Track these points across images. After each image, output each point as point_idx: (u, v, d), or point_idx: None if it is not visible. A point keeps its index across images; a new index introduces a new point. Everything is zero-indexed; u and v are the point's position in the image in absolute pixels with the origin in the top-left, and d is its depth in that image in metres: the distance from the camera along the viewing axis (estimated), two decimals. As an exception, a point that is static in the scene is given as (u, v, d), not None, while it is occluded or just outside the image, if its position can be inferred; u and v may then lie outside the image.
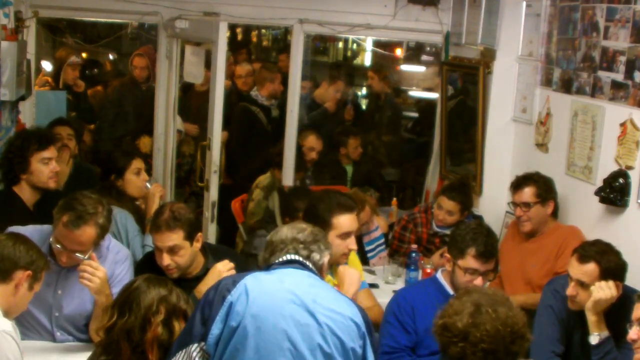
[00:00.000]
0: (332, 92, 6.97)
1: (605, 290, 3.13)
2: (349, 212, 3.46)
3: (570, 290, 3.25)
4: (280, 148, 5.98)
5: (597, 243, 3.29)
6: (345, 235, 3.42)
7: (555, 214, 4.21)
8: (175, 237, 3.21)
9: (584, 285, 3.21)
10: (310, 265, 2.71)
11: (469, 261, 3.26)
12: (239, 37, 9.32)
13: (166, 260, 3.20)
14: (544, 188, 4.14)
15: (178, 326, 2.62)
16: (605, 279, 3.17)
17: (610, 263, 3.18)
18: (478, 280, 3.26)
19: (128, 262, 3.41)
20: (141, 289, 2.63)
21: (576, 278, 3.22)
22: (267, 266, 2.71)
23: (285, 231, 2.78)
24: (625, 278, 3.25)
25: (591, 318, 3.13)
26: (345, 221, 3.42)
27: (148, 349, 2.56)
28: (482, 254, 3.26)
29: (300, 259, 2.70)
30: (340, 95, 7.04)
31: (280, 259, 2.70)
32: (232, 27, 8.42)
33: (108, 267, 3.26)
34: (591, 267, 3.19)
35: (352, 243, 3.45)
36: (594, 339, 3.10)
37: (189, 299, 2.78)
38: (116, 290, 3.23)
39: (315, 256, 2.74)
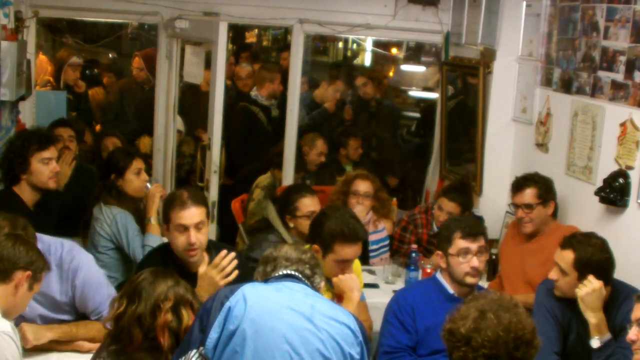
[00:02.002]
0: (332, 92, 6.96)
1: (586, 286, 3.12)
2: (353, 243, 3.37)
3: (552, 274, 3.29)
4: (280, 148, 5.98)
5: (586, 234, 3.30)
6: (342, 262, 3.38)
7: (555, 214, 4.20)
8: (201, 212, 3.28)
9: (562, 272, 3.23)
10: (307, 282, 2.74)
11: (458, 243, 3.28)
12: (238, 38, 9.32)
13: (194, 236, 3.22)
14: (545, 189, 4.13)
15: (186, 314, 2.64)
16: (579, 269, 3.17)
17: (585, 254, 3.18)
18: (474, 261, 3.26)
19: (89, 267, 3.19)
20: (148, 279, 2.66)
21: (555, 262, 3.27)
22: (265, 279, 2.73)
23: (289, 250, 2.80)
24: (608, 273, 3.21)
25: (591, 321, 3.11)
26: (347, 251, 3.36)
27: (159, 334, 2.59)
28: (468, 233, 3.29)
29: (299, 275, 2.73)
30: (339, 95, 7.03)
31: (278, 274, 2.72)
32: (232, 27, 8.43)
33: (65, 279, 3.13)
34: (567, 254, 3.21)
35: (348, 269, 3.38)
36: (595, 343, 3.08)
37: (194, 291, 2.81)
38: (89, 292, 3.14)
39: (317, 279, 2.79)
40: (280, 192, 4.53)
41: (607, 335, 3.09)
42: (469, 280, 3.29)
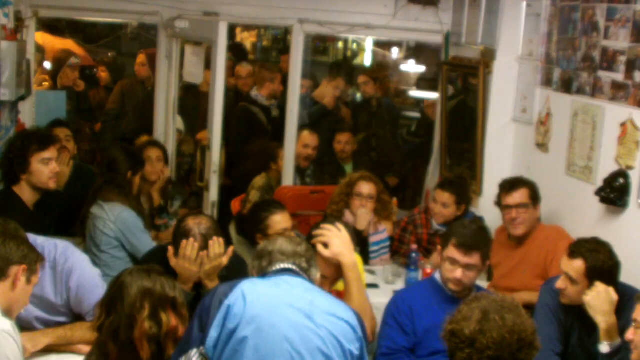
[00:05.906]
0: (331, 89, 6.92)
1: (592, 290, 3.11)
2: None
3: (559, 283, 3.27)
4: (257, 147, 5.89)
5: (591, 241, 3.28)
6: None
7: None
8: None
9: (572, 280, 3.21)
10: (305, 275, 2.72)
11: (450, 250, 3.26)
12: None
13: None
14: (535, 190, 4.13)
15: (166, 318, 2.57)
16: (590, 277, 3.16)
17: (597, 262, 3.16)
18: (458, 272, 3.22)
19: (83, 268, 3.15)
20: (125, 283, 2.58)
21: (565, 271, 3.25)
22: (262, 275, 2.72)
23: (283, 243, 2.77)
24: (617, 278, 3.22)
25: (602, 326, 3.07)
26: None
27: (138, 346, 2.53)
28: (462, 245, 3.23)
29: (296, 269, 2.71)
30: (339, 92, 6.97)
31: (275, 268, 2.70)
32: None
33: (59, 281, 3.09)
34: (578, 264, 3.19)
35: None
36: (604, 348, 3.05)
37: (176, 285, 2.69)
38: (84, 293, 3.11)
39: (314, 271, 2.78)
40: (248, 211, 4.30)
41: (618, 341, 3.04)
42: (451, 286, 3.28)
